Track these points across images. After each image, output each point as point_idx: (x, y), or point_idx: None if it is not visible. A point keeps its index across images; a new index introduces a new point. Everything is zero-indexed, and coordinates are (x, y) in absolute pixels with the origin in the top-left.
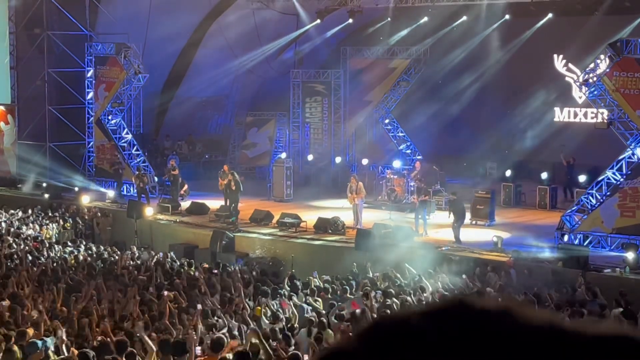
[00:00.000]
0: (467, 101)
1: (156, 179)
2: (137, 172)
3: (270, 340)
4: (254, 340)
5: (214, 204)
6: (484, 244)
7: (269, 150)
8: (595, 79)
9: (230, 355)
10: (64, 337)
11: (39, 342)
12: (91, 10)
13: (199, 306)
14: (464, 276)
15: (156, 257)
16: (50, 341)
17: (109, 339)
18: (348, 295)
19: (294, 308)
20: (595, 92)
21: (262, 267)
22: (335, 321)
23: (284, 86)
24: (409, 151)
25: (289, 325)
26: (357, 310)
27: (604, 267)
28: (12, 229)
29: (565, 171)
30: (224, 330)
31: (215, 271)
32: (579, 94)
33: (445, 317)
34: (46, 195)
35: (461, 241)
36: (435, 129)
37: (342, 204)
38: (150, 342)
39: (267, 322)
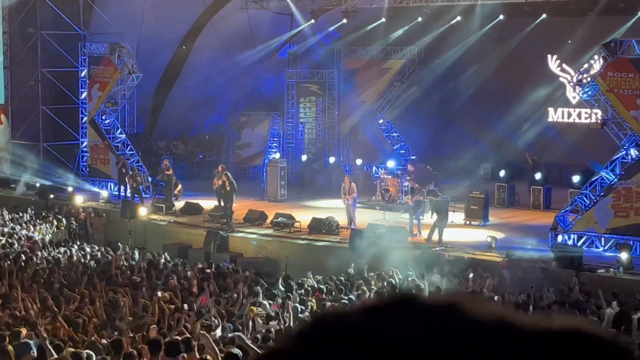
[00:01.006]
0: (461, 101)
1: (150, 178)
2: (131, 172)
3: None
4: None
5: (208, 204)
6: (478, 244)
7: (263, 150)
8: (589, 79)
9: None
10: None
11: (32, 342)
12: (85, 10)
13: (194, 306)
14: (456, 279)
15: (150, 257)
16: (34, 343)
17: (102, 340)
18: (342, 295)
19: (289, 309)
20: (589, 93)
21: (256, 268)
22: None
23: (278, 86)
24: (402, 151)
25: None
26: None
27: (597, 267)
28: (5, 229)
29: (529, 168)
30: (218, 331)
31: (208, 270)
32: (573, 95)
33: (388, 314)
34: (40, 196)
35: (443, 242)
36: (429, 129)
37: (336, 204)
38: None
39: (261, 322)
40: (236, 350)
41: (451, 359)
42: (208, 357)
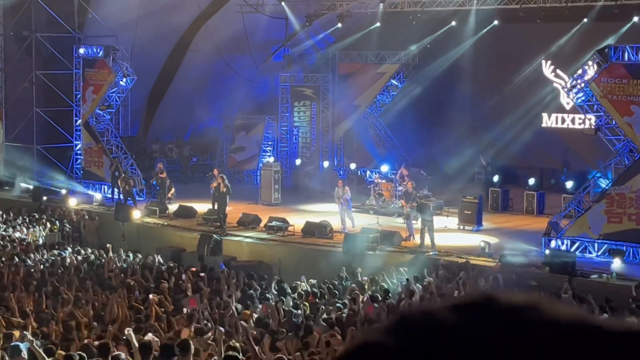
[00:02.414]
0: (456, 106)
1: (143, 181)
2: (123, 175)
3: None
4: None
5: (202, 207)
6: (472, 249)
7: (257, 154)
8: (583, 85)
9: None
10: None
11: (22, 345)
12: (80, 12)
13: (186, 310)
14: (449, 284)
15: (143, 260)
16: (23, 346)
17: (94, 342)
18: (336, 299)
19: (278, 312)
20: (583, 98)
21: (249, 271)
22: (324, 324)
23: (272, 90)
24: (396, 156)
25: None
26: (344, 315)
27: (590, 272)
28: None
29: (484, 173)
30: (210, 334)
31: (202, 274)
32: (566, 100)
33: (474, 311)
34: (33, 198)
35: (436, 246)
36: (423, 134)
37: (330, 208)
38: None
39: (253, 325)
40: (234, 352)
41: (536, 358)
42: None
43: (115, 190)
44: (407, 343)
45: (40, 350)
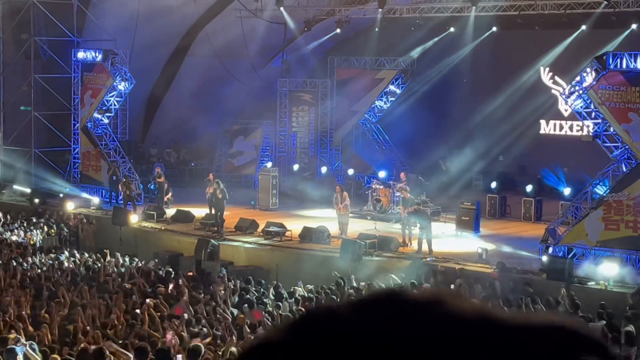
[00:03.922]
0: (454, 112)
1: (141, 186)
2: (124, 179)
3: None
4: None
5: (199, 212)
6: (469, 255)
7: (255, 158)
8: (581, 92)
9: None
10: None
11: (17, 349)
12: (79, 16)
13: (184, 315)
14: (452, 286)
15: (140, 264)
16: (19, 349)
17: (91, 347)
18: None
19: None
20: (581, 105)
21: (246, 276)
22: None
23: (271, 95)
24: (394, 161)
25: None
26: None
27: (587, 279)
28: None
29: (444, 177)
30: (209, 340)
31: (190, 273)
32: (564, 107)
33: (376, 307)
34: (31, 201)
35: (433, 252)
36: (422, 140)
37: (327, 214)
38: (126, 353)
39: (248, 330)
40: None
41: (435, 352)
42: None
43: (112, 194)
44: (305, 340)
45: (36, 355)
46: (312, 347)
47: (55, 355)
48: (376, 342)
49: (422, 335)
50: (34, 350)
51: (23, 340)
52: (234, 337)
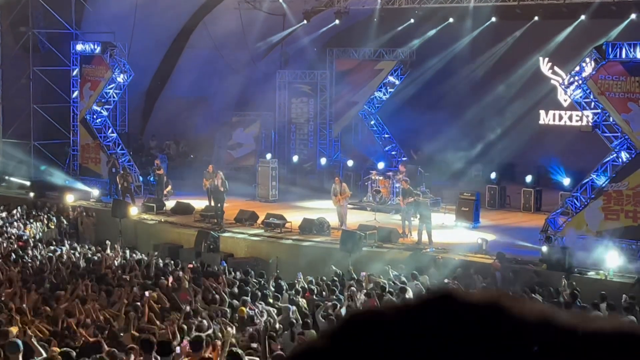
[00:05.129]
0: (453, 103)
1: (140, 178)
2: (122, 172)
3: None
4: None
5: (199, 204)
6: (469, 246)
7: (254, 150)
8: (580, 82)
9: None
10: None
11: (20, 342)
12: (77, 8)
13: (184, 307)
14: (446, 280)
15: (141, 256)
16: (21, 342)
17: (91, 339)
18: (333, 296)
19: (272, 309)
20: (581, 95)
21: (246, 268)
22: (323, 321)
23: (270, 86)
24: (394, 152)
25: (274, 327)
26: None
27: (587, 269)
28: None
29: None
30: (210, 332)
31: (190, 265)
32: (564, 97)
33: (426, 313)
34: (31, 194)
35: (433, 243)
36: (421, 131)
37: (327, 205)
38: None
39: (249, 323)
40: (239, 350)
41: None
42: (208, 355)
43: (112, 187)
44: (349, 349)
45: (38, 346)
46: (354, 356)
47: (55, 348)
48: (428, 351)
49: (480, 345)
50: (34, 343)
51: (29, 332)
52: (232, 330)
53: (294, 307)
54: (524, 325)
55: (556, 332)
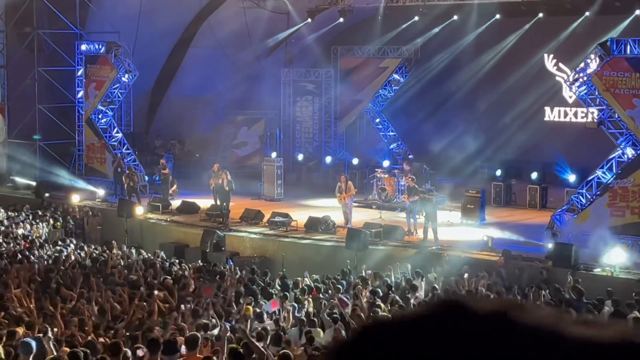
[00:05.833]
0: (458, 100)
1: (146, 177)
2: (128, 171)
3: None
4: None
5: (205, 203)
6: (475, 243)
7: (259, 149)
8: (585, 78)
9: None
10: (50, 336)
11: (33, 342)
12: (82, 8)
13: (190, 306)
14: (452, 278)
15: (147, 256)
16: (33, 341)
17: (99, 339)
18: (339, 294)
19: (286, 307)
20: (586, 92)
21: (252, 267)
22: (328, 319)
23: (274, 85)
24: (399, 150)
25: (281, 325)
26: (347, 310)
27: (593, 266)
28: (2, 228)
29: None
30: (215, 331)
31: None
32: (569, 94)
33: (435, 324)
34: (36, 194)
35: (439, 240)
36: (426, 128)
37: (332, 204)
38: None
39: (256, 321)
40: (240, 349)
41: None
42: (208, 355)
43: (118, 186)
44: (364, 356)
45: (51, 346)
46: None
47: (65, 348)
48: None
49: (487, 354)
50: (46, 342)
51: (36, 332)
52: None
53: (299, 306)
54: (533, 337)
55: (565, 345)
